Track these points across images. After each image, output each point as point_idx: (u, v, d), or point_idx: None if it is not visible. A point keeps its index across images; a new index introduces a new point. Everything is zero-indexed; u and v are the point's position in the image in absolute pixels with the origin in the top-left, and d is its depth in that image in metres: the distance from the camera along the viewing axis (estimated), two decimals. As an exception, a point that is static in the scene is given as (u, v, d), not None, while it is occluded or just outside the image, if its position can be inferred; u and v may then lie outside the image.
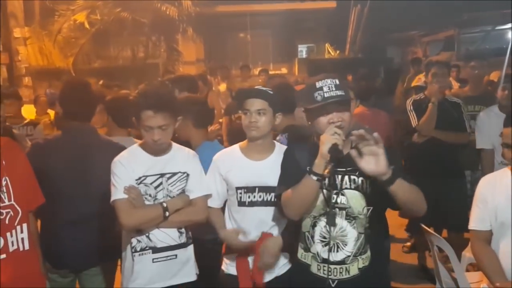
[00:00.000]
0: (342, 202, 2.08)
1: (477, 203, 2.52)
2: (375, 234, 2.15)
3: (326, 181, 2.03)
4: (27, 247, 2.14)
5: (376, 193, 2.03)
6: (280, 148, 2.46)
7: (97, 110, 3.01)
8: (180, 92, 3.77)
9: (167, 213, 2.38)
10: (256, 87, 2.57)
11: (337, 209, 2.09)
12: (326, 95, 2.02)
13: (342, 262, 2.10)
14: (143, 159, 2.45)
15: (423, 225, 3.22)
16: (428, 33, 14.63)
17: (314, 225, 2.14)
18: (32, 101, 6.94)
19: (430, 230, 3.19)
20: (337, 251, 2.10)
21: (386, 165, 1.84)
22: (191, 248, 2.52)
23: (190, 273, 2.52)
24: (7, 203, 2.07)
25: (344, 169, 2.06)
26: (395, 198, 1.91)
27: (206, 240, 2.68)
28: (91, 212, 2.71)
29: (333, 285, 2.10)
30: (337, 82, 2.05)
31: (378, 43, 15.60)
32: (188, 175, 2.49)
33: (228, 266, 2.53)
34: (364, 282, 2.10)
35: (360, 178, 2.07)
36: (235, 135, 3.42)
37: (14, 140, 2.44)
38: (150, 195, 2.42)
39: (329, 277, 2.10)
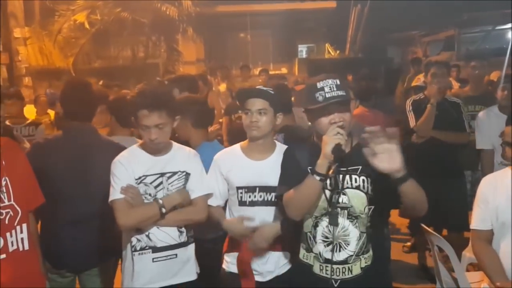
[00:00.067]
0: (343, 201, 2.08)
1: (478, 203, 2.52)
2: (377, 233, 2.14)
3: (328, 181, 2.03)
4: (27, 247, 2.13)
5: (378, 191, 2.04)
6: (281, 148, 2.45)
7: (99, 110, 3.02)
8: (180, 92, 3.77)
9: (163, 210, 2.36)
10: (257, 87, 2.57)
11: (339, 209, 2.08)
12: (327, 95, 2.01)
13: (344, 262, 2.09)
14: (143, 159, 2.44)
15: (423, 225, 3.22)
16: (428, 33, 14.65)
17: (316, 225, 2.13)
18: (32, 101, 6.93)
19: (430, 230, 3.19)
20: (340, 250, 2.09)
21: (401, 162, 1.83)
22: (191, 247, 2.51)
23: (191, 273, 2.51)
24: (7, 203, 2.07)
25: (345, 169, 2.06)
26: (403, 197, 1.90)
27: (207, 239, 2.68)
28: (91, 212, 2.71)
29: (335, 285, 2.10)
30: (338, 82, 2.05)
31: (378, 43, 15.61)
32: (188, 174, 2.48)
33: (229, 264, 2.53)
34: (366, 281, 2.10)
35: (361, 177, 2.07)
36: (235, 135, 3.42)
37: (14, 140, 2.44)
38: (150, 195, 2.41)
39: (332, 277, 2.10)
